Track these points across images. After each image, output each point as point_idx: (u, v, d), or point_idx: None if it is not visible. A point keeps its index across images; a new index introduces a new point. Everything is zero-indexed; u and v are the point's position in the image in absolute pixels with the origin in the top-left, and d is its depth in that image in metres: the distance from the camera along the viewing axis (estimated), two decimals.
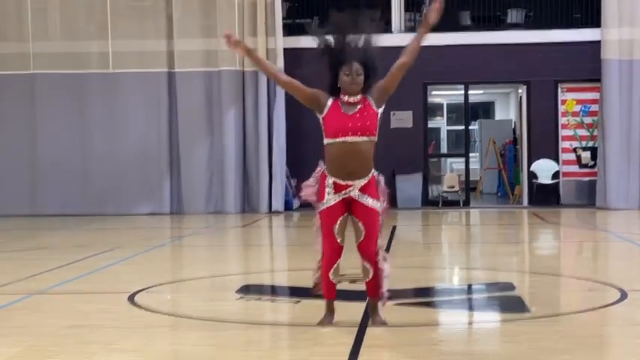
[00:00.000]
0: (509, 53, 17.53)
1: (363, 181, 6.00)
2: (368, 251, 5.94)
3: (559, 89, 17.72)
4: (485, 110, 24.27)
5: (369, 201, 5.98)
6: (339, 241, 5.95)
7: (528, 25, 18.00)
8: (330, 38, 6.05)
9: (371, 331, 5.88)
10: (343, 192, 5.99)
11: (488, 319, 6.70)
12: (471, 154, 19.53)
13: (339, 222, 5.95)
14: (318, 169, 6.15)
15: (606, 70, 16.74)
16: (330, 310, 6.06)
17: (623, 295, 7.17)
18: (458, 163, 20.13)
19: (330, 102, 6.10)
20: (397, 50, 16.25)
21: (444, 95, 22.84)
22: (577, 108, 17.74)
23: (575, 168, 17.79)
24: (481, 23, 18.24)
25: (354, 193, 5.99)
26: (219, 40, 17.05)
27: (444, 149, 23.05)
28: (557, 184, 17.69)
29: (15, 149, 17.16)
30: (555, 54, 17.43)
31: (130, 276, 8.97)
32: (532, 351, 5.34)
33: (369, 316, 6.09)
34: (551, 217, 15.57)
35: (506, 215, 17.04)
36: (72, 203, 17.02)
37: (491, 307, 7.25)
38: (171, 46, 17.18)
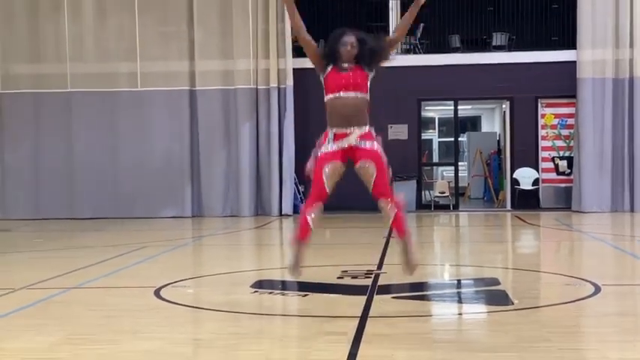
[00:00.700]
0: (494, 72, 17.50)
1: (360, 130, 6.03)
2: (385, 190, 5.86)
3: (539, 104, 17.68)
4: (472, 123, 24.22)
5: (367, 144, 5.98)
6: (326, 185, 5.85)
7: (511, 47, 17.98)
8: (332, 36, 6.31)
9: (371, 322, 5.87)
10: (343, 140, 5.98)
11: (476, 310, 6.68)
12: (459, 163, 19.47)
13: (331, 165, 5.91)
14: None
15: (581, 87, 16.70)
16: (299, 256, 5.91)
17: (597, 289, 7.15)
18: (448, 171, 20.08)
19: (330, 67, 6.21)
20: (395, 70, 16.38)
21: (435, 110, 22.81)
22: (555, 121, 17.70)
23: (553, 175, 17.73)
24: (469, 45, 18.23)
25: (354, 139, 5.97)
26: (235, 61, 17.10)
27: (435, 159, 23.00)
28: (537, 190, 17.64)
29: (54, 159, 17.17)
30: (535, 73, 17.40)
31: (155, 272, 8.96)
32: (515, 339, 5.32)
33: (405, 260, 6.00)
34: (532, 219, 15.52)
35: (492, 218, 17.00)
36: (104, 207, 17.02)
37: (479, 300, 7.23)
38: (193, 66, 17.19)
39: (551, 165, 17.71)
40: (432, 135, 23.63)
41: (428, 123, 22.87)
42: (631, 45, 16.57)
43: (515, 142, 17.77)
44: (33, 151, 17.23)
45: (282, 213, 16.83)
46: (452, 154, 19.38)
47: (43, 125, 17.24)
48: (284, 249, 12.76)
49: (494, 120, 23.04)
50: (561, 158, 17.66)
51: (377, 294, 7.07)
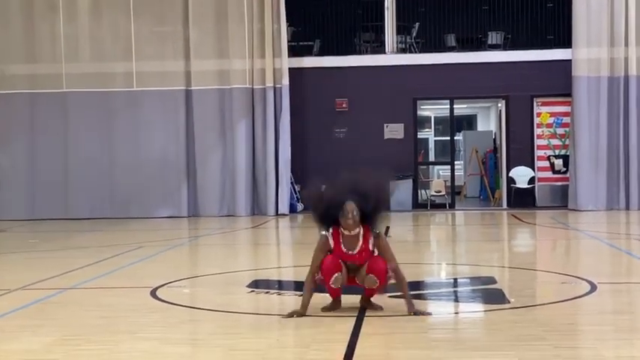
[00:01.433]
0: (490, 71, 17.52)
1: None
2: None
3: (534, 103, 17.70)
4: (468, 122, 24.23)
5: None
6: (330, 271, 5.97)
7: (507, 45, 18.00)
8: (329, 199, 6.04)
9: (368, 320, 5.87)
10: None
11: (473, 309, 6.69)
12: (455, 162, 19.49)
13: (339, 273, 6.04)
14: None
15: (576, 86, 16.72)
16: (336, 303, 6.16)
17: (593, 288, 7.16)
18: (444, 170, 20.09)
19: (331, 239, 6.06)
20: (390, 69, 16.39)
21: (431, 109, 22.80)
22: (551, 120, 17.72)
23: (549, 174, 17.75)
24: (465, 44, 18.25)
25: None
26: (231, 61, 17.10)
27: (432, 157, 23.00)
28: (533, 189, 17.65)
29: (49, 159, 17.14)
30: (531, 71, 17.42)
31: (151, 272, 8.95)
32: (512, 338, 5.33)
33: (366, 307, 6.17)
34: (528, 217, 15.54)
35: (488, 216, 17.02)
36: (100, 207, 17.00)
37: (475, 298, 7.25)
38: (189, 66, 17.17)
39: (546, 163, 17.72)
40: (427, 134, 23.64)
41: (424, 122, 22.88)
42: (626, 43, 16.60)
43: (511, 141, 17.79)
44: (28, 151, 17.19)
45: (279, 213, 16.82)
46: (448, 153, 19.39)
47: (38, 125, 17.21)
48: (280, 248, 12.77)
49: (489, 119, 23.06)
50: (557, 157, 17.68)
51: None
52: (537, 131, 17.71)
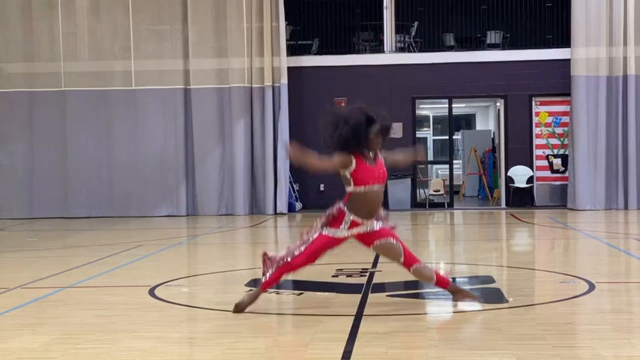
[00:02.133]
0: (489, 70, 17.53)
1: (373, 221, 6.20)
2: (413, 257, 6.28)
3: (533, 102, 17.71)
4: (467, 122, 24.24)
5: (379, 225, 6.21)
6: (318, 260, 6.14)
7: (505, 45, 18.01)
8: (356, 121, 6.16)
9: (366, 320, 5.87)
10: (357, 228, 6.15)
11: (471, 308, 6.69)
12: (454, 161, 19.51)
13: (334, 249, 6.18)
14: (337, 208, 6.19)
15: (575, 85, 16.74)
16: (252, 301, 6.21)
17: (591, 287, 7.17)
18: (443, 169, 20.13)
19: (354, 159, 6.13)
20: (389, 68, 16.45)
21: (430, 108, 22.83)
22: (549, 119, 17.73)
23: (547, 173, 17.77)
24: (463, 44, 18.26)
25: (364, 229, 6.16)
26: (229, 60, 17.10)
27: (430, 157, 23.02)
28: (531, 188, 17.67)
29: (48, 158, 17.14)
30: (530, 71, 17.43)
31: (150, 271, 8.96)
32: (510, 337, 5.33)
33: (457, 299, 6.36)
34: (527, 217, 15.55)
35: (486, 216, 17.02)
36: (98, 206, 17.01)
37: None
38: (187, 65, 17.17)
39: (545, 163, 17.74)
40: (426, 133, 23.65)
41: (422, 121, 22.90)
42: (625, 43, 16.61)
43: (510, 140, 17.80)
44: (27, 150, 17.19)
45: (277, 211, 16.83)
46: (446, 152, 19.41)
47: (37, 124, 17.21)
48: (279, 247, 12.76)
49: (488, 118, 23.08)
50: (555, 156, 17.69)
51: (372, 292, 7.08)
52: (536, 131, 17.73)
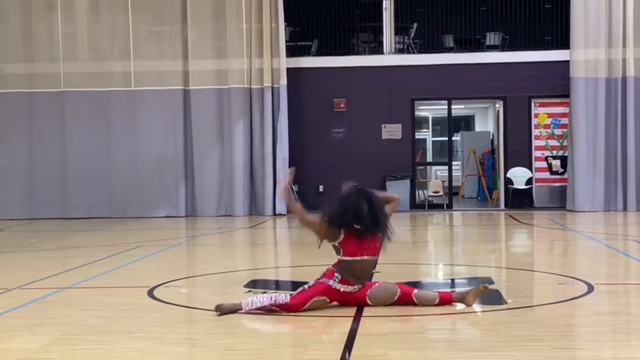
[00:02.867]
0: (488, 72, 17.54)
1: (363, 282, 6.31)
2: (408, 287, 6.38)
3: (532, 104, 17.72)
4: (466, 123, 24.25)
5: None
6: (305, 307, 6.10)
7: (505, 46, 18.02)
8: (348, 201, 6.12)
9: (365, 322, 5.87)
10: (345, 286, 6.23)
11: (470, 309, 6.69)
12: (453, 163, 19.51)
13: (326, 300, 6.17)
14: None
15: (574, 87, 16.75)
16: (230, 311, 6.18)
17: (590, 289, 7.17)
18: (442, 171, 20.12)
19: (342, 233, 6.17)
20: (388, 69, 16.45)
21: (429, 109, 22.84)
22: (548, 121, 17.74)
23: (546, 175, 17.78)
24: (463, 45, 18.26)
25: (352, 289, 6.25)
26: (229, 61, 17.10)
27: (429, 158, 23.03)
28: (530, 189, 17.67)
29: (47, 159, 17.14)
30: (529, 72, 17.44)
31: (149, 272, 8.95)
32: (509, 338, 5.33)
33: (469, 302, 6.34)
34: (526, 218, 15.55)
35: (485, 217, 17.03)
36: (98, 207, 17.01)
37: None
38: (187, 66, 17.18)
39: (544, 164, 17.75)
40: (425, 134, 23.66)
41: (421, 122, 22.91)
42: (624, 45, 16.63)
43: (509, 142, 17.81)
44: (26, 151, 17.19)
45: (276, 212, 16.83)
46: (445, 153, 19.41)
47: (36, 125, 17.21)
48: (278, 248, 12.76)
49: (487, 119, 23.09)
50: (555, 158, 17.70)
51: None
52: (535, 132, 17.74)
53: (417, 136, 19.06)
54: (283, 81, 16.94)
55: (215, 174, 17.07)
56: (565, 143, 17.42)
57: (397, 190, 17.36)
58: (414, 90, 17.75)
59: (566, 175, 17.19)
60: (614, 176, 16.73)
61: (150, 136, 17.13)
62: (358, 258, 6.17)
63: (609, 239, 12.12)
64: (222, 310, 6.15)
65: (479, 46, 18.17)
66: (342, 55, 17.92)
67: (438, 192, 18.31)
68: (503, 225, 15.27)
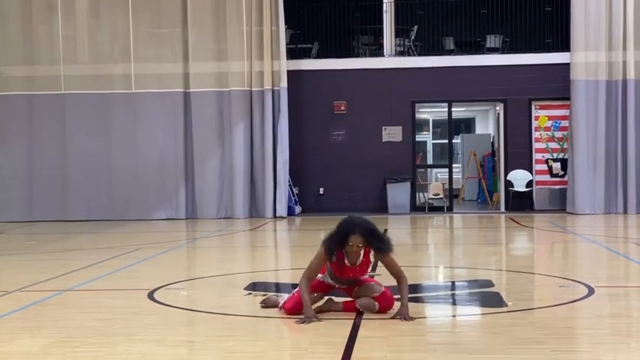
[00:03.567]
0: (488, 74, 17.55)
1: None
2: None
3: (532, 106, 17.72)
4: (466, 125, 24.25)
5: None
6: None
7: (505, 49, 18.03)
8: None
9: (365, 324, 5.87)
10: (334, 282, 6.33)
11: (470, 312, 6.69)
12: (454, 165, 19.51)
13: (317, 296, 6.27)
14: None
15: (575, 90, 16.75)
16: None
17: (590, 291, 7.17)
18: (442, 173, 20.10)
19: (335, 256, 6.17)
20: (389, 72, 16.42)
21: (429, 112, 22.84)
22: (549, 123, 17.74)
23: (547, 177, 17.78)
24: (463, 48, 18.28)
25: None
26: (229, 64, 17.11)
27: (430, 160, 23.02)
28: (531, 192, 17.68)
29: (47, 161, 17.14)
30: (529, 75, 17.45)
31: (149, 274, 8.95)
32: (509, 341, 5.33)
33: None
34: (526, 221, 15.55)
35: (486, 219, 17.02)
36: (98, 209, 17.01)
37: (472, 301, 7.24)
38: (187, 68, 17.19)
39: (544, 167, 17.75)
40: (426, 137, 23.66)
41: (422, 125, 22.90)
42: (624, 47, 16.63)
43: (509, 144, 17.81)
44: (26, 153, 17.20)
45: (277, 215, 16.82)
46: (446, 156, 19.41)
47: (36, 127, 17.21)
48: (278, 251, 12.76)
49: (488, 122, 23.09)
50: (555, 160, 17.70)
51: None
52: (535, 135, 17.74)
53: (417, 139, 19.05)
54: (284, 83, 16.94)
55: (215, 176, 17.07)
56: (565, 146, 17.42)
57: (397, 193, 17.40)
58: (414, 92, 17.75)
59: (566, 178, 17.18)
60: (614, 179, 16.73)
61: (150, 138, 17.13)
62: (336, 277, 6.25)
63: (609, 242, 12.12)
64: (267, 304, 6.42)
65: (479, 49, 18.18)
66: (343, 57, 17.93)
67: (439, 194, 18.31)
68: (504, 228, 15.27)
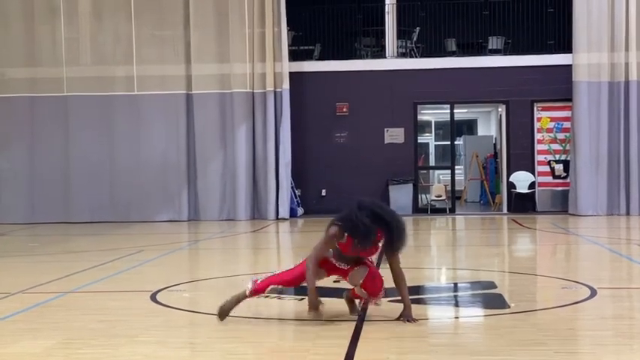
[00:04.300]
0: (490, 76, 17.54)
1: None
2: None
3: (535, 108, 17.71)
4: (469, 127, 24.24)
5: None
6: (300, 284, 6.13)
7: (507, 50, 18.02)
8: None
9: (367, 326, 5.87)
10: (339, 263, 6.21)
11: (472, 314, 6.69)
12: (456, 167, 19.49)
13: (321, 271, 6.17)
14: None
15: (577, 91, 16.74)
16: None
17: (593, 293, 7.16)
18: (445, 175, 20.11)
19: (345, 237, 6.00)
20: (391, 73, 16.38)
21: (432, 113, 22.83)
22: (551, 125, 17.73)
23: (549, 179, 17.76)
24: (465, 49, 18.28)
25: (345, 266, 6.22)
26: (231, 65, 17.12)
27: (432, 162, 23.02)
28: (533, 193, 17.66)
29: (50, 163, 17.16)
30: (531, 76, 17.44)
31: (152, 276, 8.96)
32: (512, 342, 5.33)
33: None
34: (528, 222, 15.54)
35: (488, 221, 17.02)
36: (100, 211, 17.02)
37: (475, 303, 7.24)
38: (189, 70, 17.20)
39: (547, 168, 17.73)
40: (428, 138, 23.65)
41: (424, 126, 22.90)
42: (626, 48, 16.62)
43: (512, 146, 17.80)
44: (29, 155, 17.21)
45: (279, 217, 16.82)
46: (448, 157, 19.40)
47: (39, 129, 17.23)
48: (280, 253, 12.76)
49: (490, 123, 23.08)
50: (557, 162, 17.69)
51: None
52: (538, 136, 17.72)
53: (419, 140, 19.04)
54: (286, 85, 16.95)
55: (217, 178, 17.08)
56: (568, 147, 17.41)
57: (400, 194, 17.40)
58: (416, 94, 17.75)
59: (568, 179, 17.17)
60: (616, 180, 16.71)
61: (152, 140, 17.14)
62: (339, 259, 6.11)
63: (612, 243, 12.11)
64: (224, 312, 6.08)
65: (481, 50, 18.17)
66: (345, 59, 17.93)
67: (441, 196, 18.31)
68: (506, 229, 15.26)
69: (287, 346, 5.56)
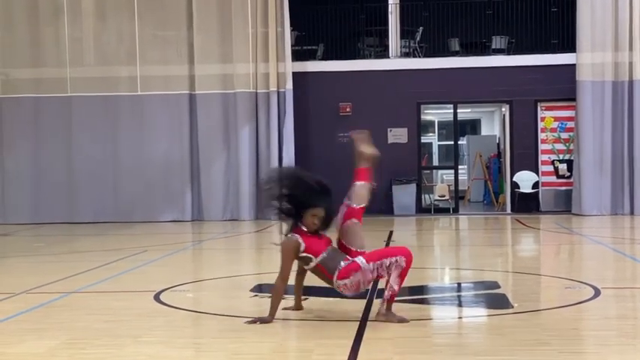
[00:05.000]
0: (494, 75, 17.54)
1: None
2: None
3: (538, 108, 17.71)
4: (472, 127, 24.23)
5: None
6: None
7: (511, 50, 18.02)
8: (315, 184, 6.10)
9: (371, 326, 5.87)
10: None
11: (476, 314, 6.69)
12: (459, 167, 19.50)
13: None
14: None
15: (581, 90, 16.73)
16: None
17: (597, 293, 7.16)
18: (448, 175, 20.10)
19: (300, 240, 6.01)
20: (394, 73, 16.38)
21: (435, 113, 22.83)
22: (555, 124, 17.72)
23: (553, 178, 17.75)
24: (468, 49, 18.27)
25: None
26: (234, 65, 17.13)
27: (435, 162, 23.01)
28: (537, 193, 17.65)
29: (54, 163, 17.18)
30: (535, 76, 17.43)
31: (155, 276, 8.97)
32: (515, 343, 5.33)
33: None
34: (532, 222, 15.53)
35: (492, 221, 17.01)
36: (104, 211, 17.04)
37: (478, 303, 7.24)
38: (192, 70, 17.22)
39: (551, 168, 17.72)
40: (431, 138, 23.64)
41: (427, 126, 22.89)
42: (630, 48, 16.60)
43: (515, 146, 17.80)
44: (33, 156, 17.24)
45: None
46: (452, 157, 19.40)
47: (43, 129, 17.26)
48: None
49: (493, 123, 23.07)
50: (561, 161, 17.68)
51: (377, 298, 7.06)
52: (541, 136, 17.71)
53: (422, 140, 19.01)
54: (289, 85, 16.96)
55: (221, 178, 17.09)
56: (571, 147, 17.40)
57: (403, 194, 17.40)
58: (419, 94, 17.75)
59: (572, 179, 17.16)
60: (620, 180, 16.70)
61: (156, 140, 17.16)
62: (329, 251, 6.04)
63: (616, 243, 12.10)
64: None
65: (485, 50, 18.17)
66: (348, 59, 17.93)
67: (444, 196, 18.31)
68: (510, 229, 15.25)
69: (291, 346, 5.57)
